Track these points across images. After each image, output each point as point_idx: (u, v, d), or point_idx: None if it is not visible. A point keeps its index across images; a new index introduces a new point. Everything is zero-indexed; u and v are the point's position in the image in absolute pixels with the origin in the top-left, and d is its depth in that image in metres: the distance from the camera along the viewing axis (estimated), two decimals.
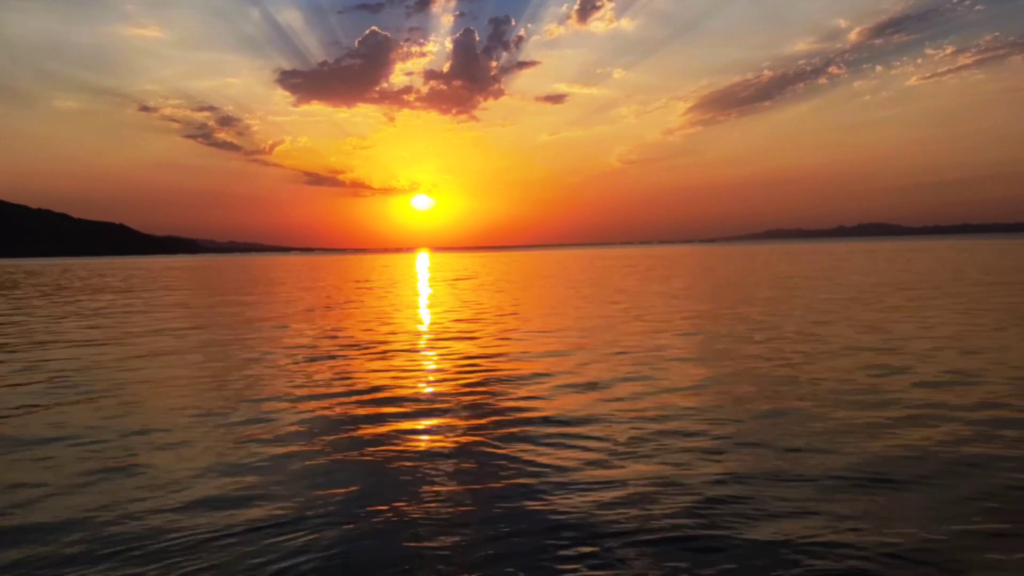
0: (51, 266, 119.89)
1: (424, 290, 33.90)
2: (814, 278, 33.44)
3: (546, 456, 6.62)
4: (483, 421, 7.98)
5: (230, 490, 5.85)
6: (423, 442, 7.23)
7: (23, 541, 4.94)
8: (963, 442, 6.69)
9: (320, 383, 10.42)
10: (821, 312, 18.17)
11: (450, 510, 5.36)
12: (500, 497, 5.60)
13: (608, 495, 5.56)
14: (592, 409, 8.36)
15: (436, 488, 5.85)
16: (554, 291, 29.77)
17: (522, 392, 9.44)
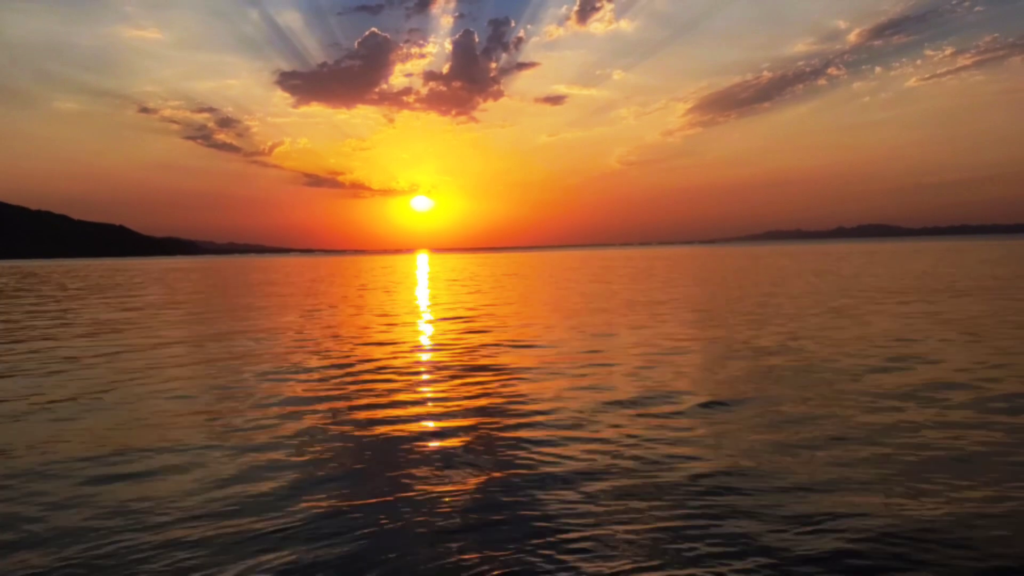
0: (51, 267, 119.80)
1: (436, 292, 33.89)
2: (826, 274, 33.44)
3: (547, 455, 6.64)
4: (488, 420, 7.99)
5: (233, 494, 5.87)
6: (429, 446, 7.25)
7: (18, 550, 4.96)
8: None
9: (359, 396, 10.41)
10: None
11: (450, 511, 5.39)
12: (504, 492, 5.62)
13: (601, 487, 5.59)
14: (585, 403, 8.38)
15: (436, 488, 5.87)
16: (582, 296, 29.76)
17: (535, 391, 9.45)
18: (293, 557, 4.62)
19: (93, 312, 24.54)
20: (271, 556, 4.63)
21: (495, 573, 4.38)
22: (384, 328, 17.74)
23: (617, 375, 10.55)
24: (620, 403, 8.71)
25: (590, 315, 19.48)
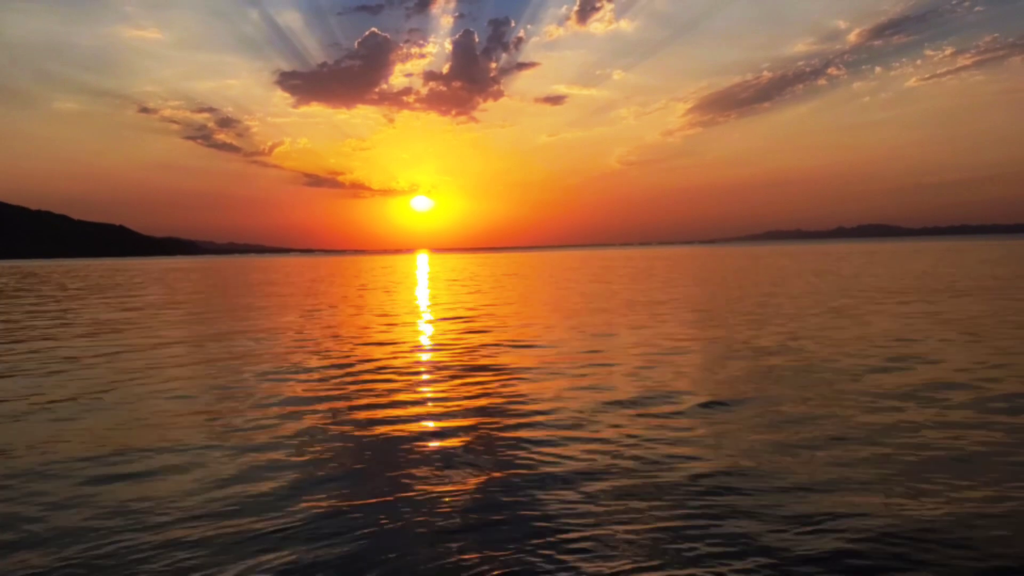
0: (51, 267, 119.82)
1: (437, 292, 33.89)
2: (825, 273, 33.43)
3: (547, 455, 6.64)
4: (489, 420, 8.00)
5: (234, 494, 5.87)
6: (428, 446, 7.25)
7: (18, 550, 4.96)
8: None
9: (362, 394, 10.42)
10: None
11: (450, 511, 5.39)
12: (504, 492, 5.62)
13: (601, 487, 5.59)
14: (585, 403, 8.38)
15: (436, 488, 5.87)
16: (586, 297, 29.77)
17: (534, 390, 9.45)
18: (293, 557, 4.62)
19: (93, 312, 24.55)
20: (271, 556, 4.63)
21: (495, 573, 4.39)
22: (384, 328, 17.74)
23: (617, 375, 10.55)
24: (620, 403, 8.72)
25: (590, 315, 19.48)
